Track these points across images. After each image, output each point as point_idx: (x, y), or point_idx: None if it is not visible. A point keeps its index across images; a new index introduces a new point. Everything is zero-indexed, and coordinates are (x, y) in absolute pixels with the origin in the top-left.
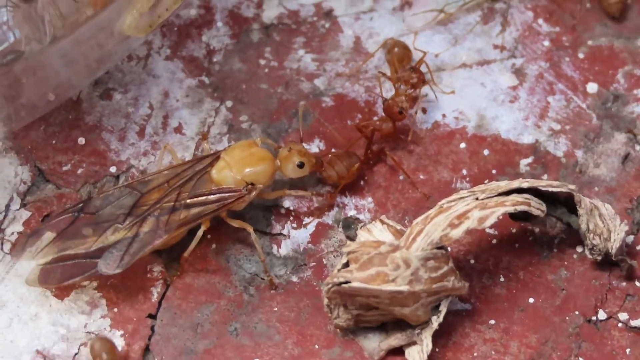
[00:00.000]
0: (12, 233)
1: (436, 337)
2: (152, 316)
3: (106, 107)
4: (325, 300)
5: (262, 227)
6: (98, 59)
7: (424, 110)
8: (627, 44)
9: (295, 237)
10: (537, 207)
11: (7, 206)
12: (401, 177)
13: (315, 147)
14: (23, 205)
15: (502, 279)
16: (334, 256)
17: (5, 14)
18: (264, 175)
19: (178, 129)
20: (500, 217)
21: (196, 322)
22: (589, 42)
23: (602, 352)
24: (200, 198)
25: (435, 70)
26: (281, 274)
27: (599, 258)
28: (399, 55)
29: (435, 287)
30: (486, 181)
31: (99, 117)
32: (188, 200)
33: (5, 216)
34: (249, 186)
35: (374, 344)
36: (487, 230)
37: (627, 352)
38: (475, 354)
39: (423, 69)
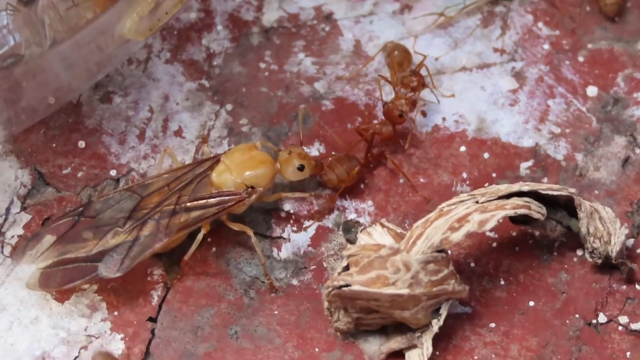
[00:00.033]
0: (13, 236)
1: (436, 340)
2: (153, 319)
3: (106, 111)
4: (326, 304)
5: (262, 230)
6: (98, 63)
7: (424, 114)
8: (627, 47)
9: (295, 241)
10: (537, 210)
11: (8, 209)
12: (401, 181)
13: (315, 150)
14: (23, 209)
15: (502, 282)
16: (334, 259)
17: (5, 17)
18: (264, 178)
19: (178, 133)
20: (501, 221)
21: (196, 326)
22: (589, 46)
23: (602, 356)
24: (200, 201)
25: (435, 74)
26: (281, 277)
27: (599, 261)
28: (399, 58)
29: (435, 290)
30: (486, 184)
31: (99, 120)
32: (188, 204)
33: (5, 219)
34: (249, 189)
35: (375, 347)
36: (488, 233)
37: (628, 356)
38: (475, 357)
39: (423, 72)
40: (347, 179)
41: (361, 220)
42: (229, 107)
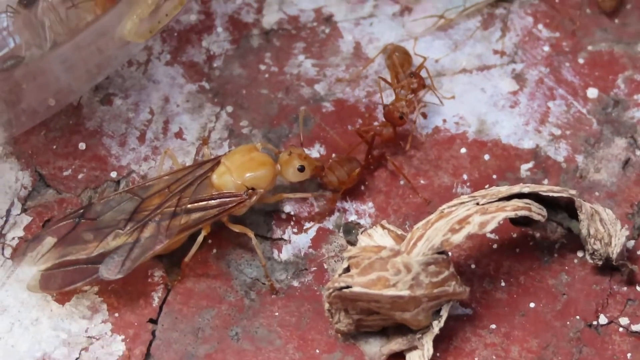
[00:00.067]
0: (13, 238)
1: (437, 341)
2: (153, 321)
3: (107, 113)
4: (326, 305)
5: (262, 232)
6: (98, 65)
7: (424, 116)
8: (627, 49)
9: (296, 242)
10: (537, 212)
11: (8, 211)
12: (402, 182)
13: (315, 152)
14: (24, 210)
15: (503, 284)
16: (334, 261)
17: (5, 19)
18: (265, 179)
19: (178, 134)
20: (501, 222)
21: (197, 327)
22: (589, 48)
23: (603, 357)
24: (201, 203)
25: (436, 76)
26: (282, 279)
27: (600, 263)
28: (399, 60)
29: (436, 291)
30: (487, 186)
31: (99, 122)
32: (189, 206)
33: (6, 221)
34: (250, 191)
35: (375, 348)
36: (488, 235)
37: (628, 357)
38: (476, 359)
39: (423, 74)
40: (348, 181)
41: (362, 221)
42: (229, 109)
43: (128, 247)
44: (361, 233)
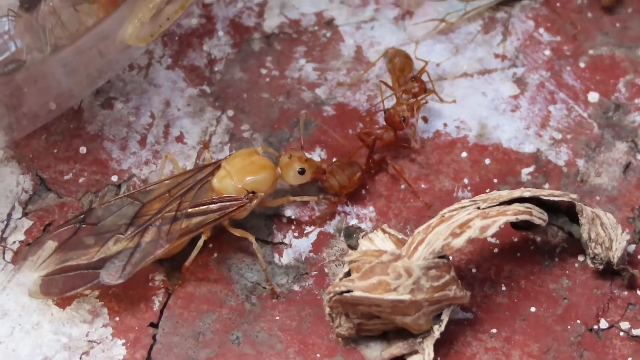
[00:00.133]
0: (14, 242)
1: (438, 346)
2: (154, 325)
3: (107, 116)
4: (327, 309)
5: (263, 236)
6: (99, 69)
7: (425, 120)
8: (628, 53)
9: (296, 246)
10: (538, 216)
11: (9, 215)
12: (403, 186)
13: (316, 155)
14: (25, 214)
15: (503, 288)
16: (335, 265)
17: (6, 23)
18: (265, 183)
19: (179, 138)
20: (502, 226)
21: (198, 331)
22: (590, 52)
23: None
24: (201, 207)
25: (437, 80)
26: (283, 283)
27: (601, 267)
28: (400, 64)
29: (436, 296)
30: (488, 190)
31: (100, 126)
32: (189, 210)
33: (7, 225)
34: (250, 195)
35: (376, 352)
36: (489, 239)
37: None
38: None
39: (424, 78)
40: (349, 185)
41: (362, 226)
42: (230, 112)
43: (129, 251)
44: (362, 237)
